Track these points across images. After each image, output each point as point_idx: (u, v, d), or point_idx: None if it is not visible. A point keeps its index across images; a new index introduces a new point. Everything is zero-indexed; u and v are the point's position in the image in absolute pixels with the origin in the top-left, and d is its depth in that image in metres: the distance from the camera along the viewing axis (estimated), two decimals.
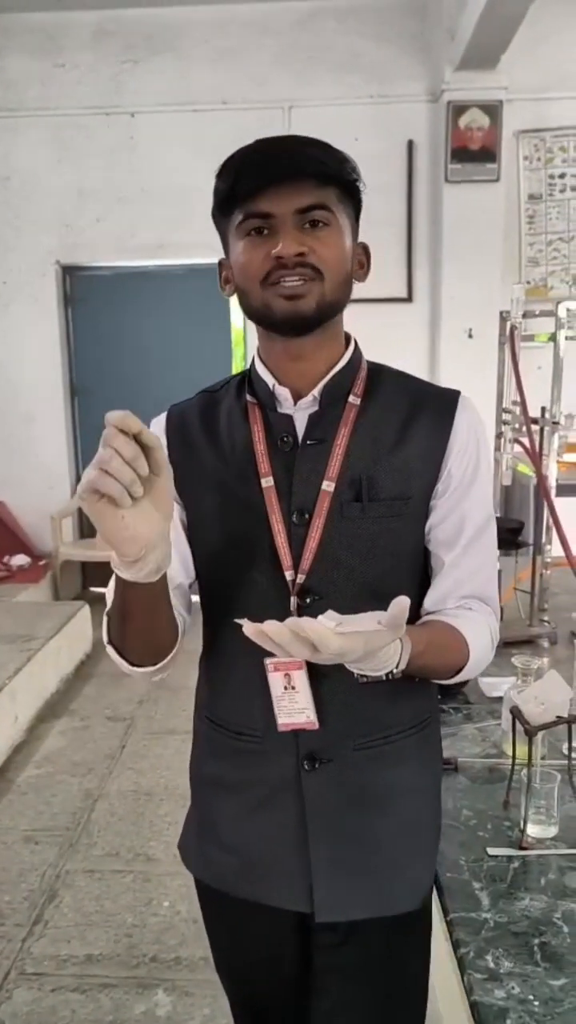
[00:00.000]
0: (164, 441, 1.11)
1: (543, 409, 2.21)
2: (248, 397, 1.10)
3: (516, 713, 1.32)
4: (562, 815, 1.29)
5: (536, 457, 2.19)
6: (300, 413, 1.07)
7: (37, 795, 3.10)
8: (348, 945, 1.12)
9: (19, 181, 5.18)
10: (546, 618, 2.22)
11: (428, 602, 1.10)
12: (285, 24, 4.96)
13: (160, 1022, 2.03)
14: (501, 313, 2.47)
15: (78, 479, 0.82)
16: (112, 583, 0.96)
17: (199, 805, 1.22)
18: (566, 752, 1.36)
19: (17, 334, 5.31)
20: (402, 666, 0.94)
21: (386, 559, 1.06)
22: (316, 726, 1.04)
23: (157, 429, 1.13)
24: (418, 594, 1.10)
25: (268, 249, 0.97)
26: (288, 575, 1.05)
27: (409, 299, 5.17)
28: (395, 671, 0.94)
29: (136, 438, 0.78)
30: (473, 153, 4.76)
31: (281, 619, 0.83)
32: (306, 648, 0.82)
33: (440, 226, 4.92)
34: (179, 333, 5.31)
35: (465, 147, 4.75)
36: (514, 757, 1.37)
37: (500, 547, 2.18)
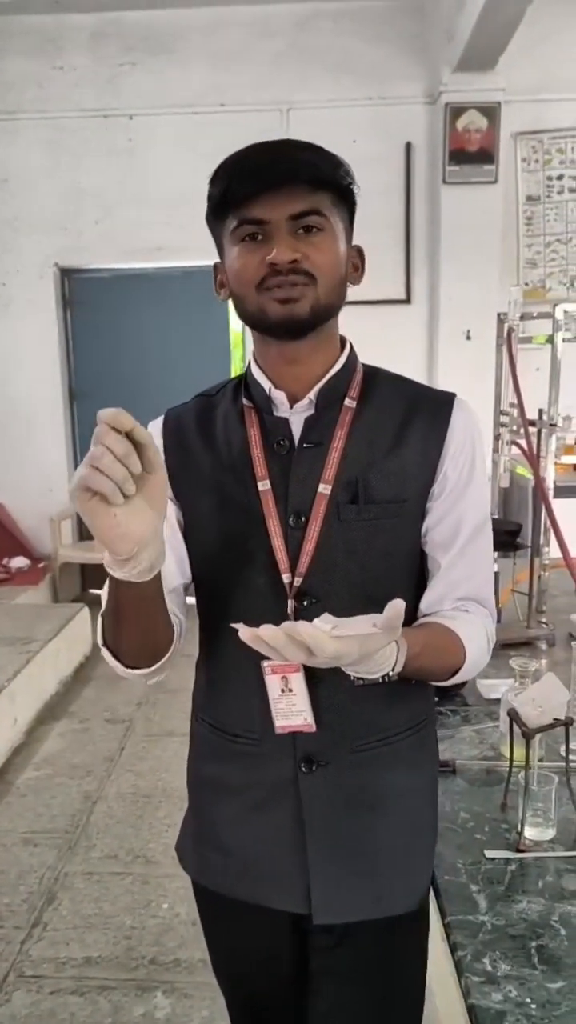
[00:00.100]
0: (161, 444, 1.11)
1: (540, 411, 2.21)
2: (244, 401, 1.10)
3: (513, 715, 1.32)
4: (559, 817, 1.29)
5: (534, 459, 2.19)
6: (296, 416, 1.07)
7: (36, 797, 3.10)
8: (345, 947, 1.12)
9: (17, 183, 5.19)
10: (544, 620, 2.23)
11: (424, 604, 1.10)
12: (283, 26, 4.97)
13: None
14: (499, 315, 2.48)
15: None
16: (107, 585, 0.96)
17: (196, 807, 1.22)
18: (564, 754, 1.36)
19: (16, 337, 5.32)
20: (398, 668, 0.94)
21: (383, 561, 1.07)
22: (313, 728, 1.04)
23: (154, 433, 1.12)
24: (415, 596, 1.10)
25: (262, 255, 0.98)
26: (285, 578, 1.05)
27: (407, 301, 5.17)
28: (391, 673, 0.94)
29: (128, 435, 0.78)
30: (471, 155, 4.76)
31: (278, 622, 0.83)
32: (302, 652, 0.82)
33: (438, 228, 4.93)
34: (178, 335, 5.31)
35: (463, 149, 4.76)
36: (511, 759, 1.37)
37: (498, 549, 2.19)
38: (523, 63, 4.66)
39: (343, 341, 1.11)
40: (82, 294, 5.40)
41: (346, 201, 1.03)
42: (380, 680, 0.94)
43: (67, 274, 5.36)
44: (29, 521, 5.45)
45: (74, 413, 5.53)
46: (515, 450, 2.41)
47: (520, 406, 2.27)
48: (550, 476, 2.21)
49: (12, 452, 5.40)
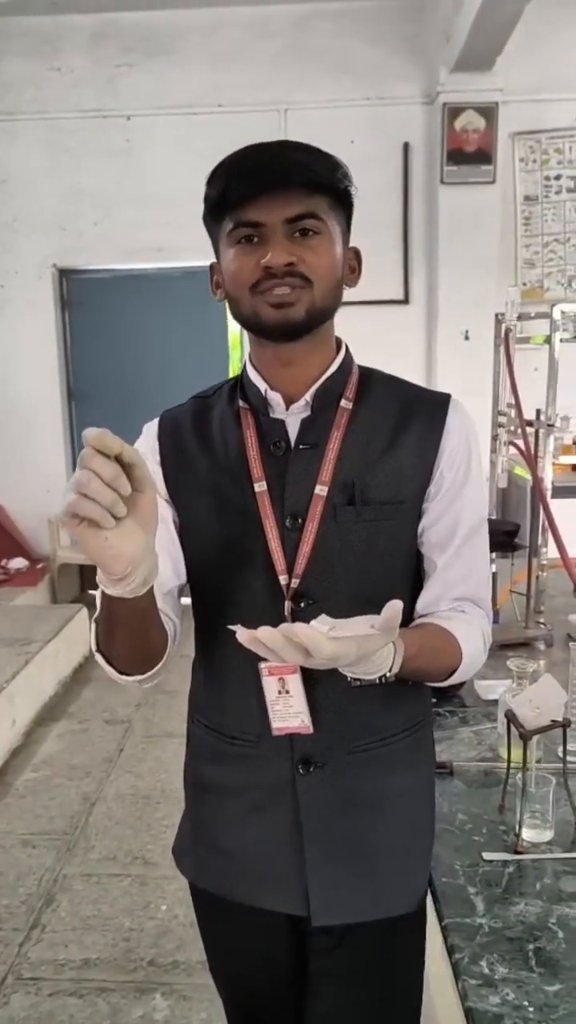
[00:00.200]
0: (157, 446, 1.11)
1: (538, 411, 2.21)
2: (240, 402, 1.10)
3: (511, 717, 1.31)
4: (557, 819, 1.29)
5: (531, 459, 2.19)
6: (292, 418, 1.07)
7: (35, 799, 3.10)
8: (343, 948, 1.12)
9: (15, 184, 5.18)
10: (542, 620, 2.22)
11: (420, 604, 1.10)
12: (281, 27, 4.96)
13: None
14: (496, 315, 2.48)
15: None
16: (100, 592, 0.95)
17: (193, 809, 1.22)
18: (561, 756, 1.36)
19: (14, 338, 5.31)
20: (395, 669, 0.94)
21: (379, 562, 1.07)
22: (311, 730, 1.04)
23: (149, 434, 1.13)
24: (411, 596, 1.10)
25: (258, 258, 0.97)
26: (282, 579, 1.05)
27: (406, 301, 5.17)
28: (388, 674, 0.94)
29: (116, 456, 0.76)
30: (469, 155, 4.76)
31: (275, 624, 0.83)
32: (299, 653, 0.82)
33: (436, 228, 4.93)
34: (176, 336, 5.31)
35: (461, 149, 4.76)
36: (509, 761, 1.37)
37: (496, 550, 2.19)
38: (521, 63, 4.65)
39: (338, 342, 1.11)
40: (81, 295, 5.39)
41: (343, 204, 1.03)
42: (377, 681, 0.94)
43: (65, 275, 5.35)
44: (28, 522, 5.45)
45: (73, 414, 5.52)
46: (513, 450, 2.41)
47: (517, 406, 2.27)
48: (548, 476, 2.21)
49: (11, 453, 5.40)
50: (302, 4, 4.90)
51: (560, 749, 1.34)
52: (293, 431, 1.07)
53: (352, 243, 1.08)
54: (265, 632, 0.81)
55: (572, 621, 2.19)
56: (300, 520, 1.05)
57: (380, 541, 1.06)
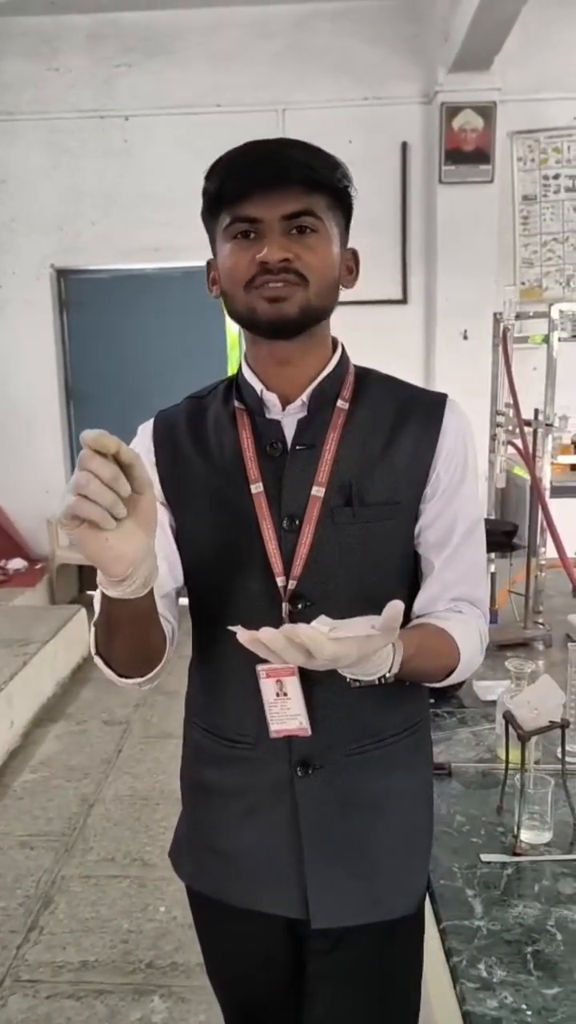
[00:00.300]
0: (152, 447, 1.10)
1: (536, 411, 2.21)
2: (236, 403, 1.09)
3: (509, 718, 1.31)
4: (556, 820, 1.28)
5: (529, 459, 2.19)
6: (289, 418, 1.06)
7: (33, 800, 3.09)
8: (341, 951, 1.12)
9: (14, 184, 5.18)
10: (541, 621, 2.22)
11: (418, 605, 1.10)
12: (279, 27, 4.96)
13: None
14: (495, 315, 2.47)
15: None
16: (98, 595, 0.95)
17: (190, 812, 1.21)
18: (560, 756, 1.35)
19: (13, 338, 5.31)
20: (395, 670, 0.93)
21: (377, 563, 1.06)
22: (308, 732, 1.04)
23: (144, 435, 1.12)
24: (408, 597, 1.10)
25: (253, 254, 0.97)
26: (279, 581, 1.04)
27: (404, 301, 5.17)
28: (388, 675, 0.93)
29: (114, 457, 0.76)
30: (467, 154, 4.76)
31: (272, 625, 0.82)
32: (300, 654, 0.81)
33: (434, 227, 4.92)
34: (175, 336, 5.30)
35: (459, 148, 4.75)
36: (507, 762, 1.37)
37: (495, 550, 2.19)
38: (519, 63, 4.65)
39: (334, 342, 1.10)
40: (79, 295, 5.39)
41: (342, 204, 1.03)
42: (377, 682, 0.93)
43: (64, 275, 5.35)
44: (26, 522, 5.44)
45: (71, 414, 5.52)
46: (511, 450, 2.41)
47: (516, 406, 2.26)
48: (546, 476, 2.20)
49: (9, 453, 5.39)
50: (301, 4, 4.90)
51: (559, 750, 1.33)
52: (289, 432, 1.06)
53: (350, 243, 1.07)
54: (267, 633, 0.81)
55: (571, 621, 2.19)
56: (297, 522, 1.04)
57: (377, 542, 1.05)
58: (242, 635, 0.82)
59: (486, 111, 4.71)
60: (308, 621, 0.84)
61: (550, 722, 1.29)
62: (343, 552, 1.04)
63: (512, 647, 2.09)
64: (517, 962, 1.02)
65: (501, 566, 2.36)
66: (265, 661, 0.85)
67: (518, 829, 1.25)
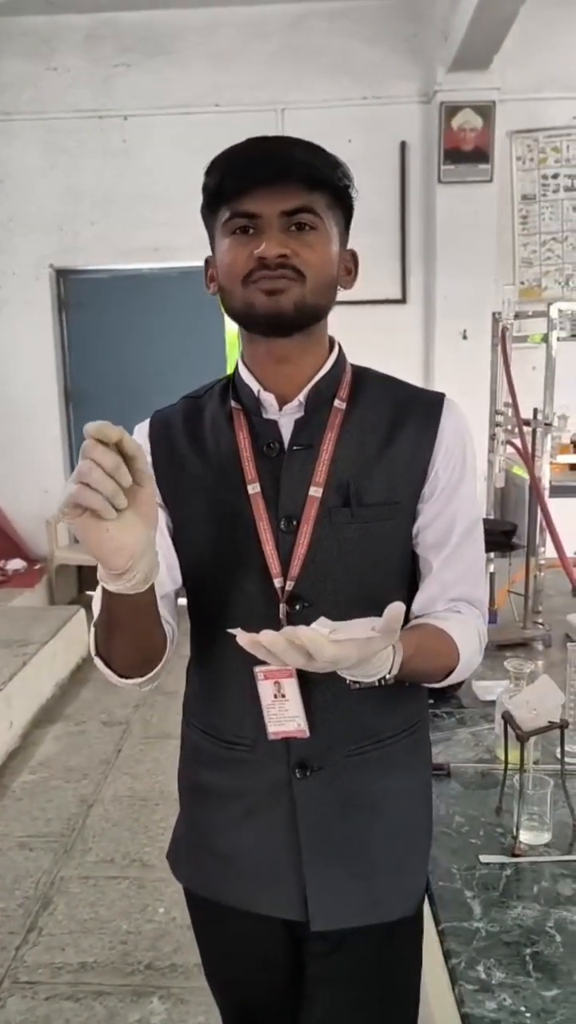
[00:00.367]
0: (148, 448, 1.10)
1: (535, 410, 2.20)
2: (232, 403, 1.09)
3: (508, 718, 1.30)
4: (555, 821, 1.28)
5: (529, 459, 2.18)
6: (286, 418, 1.06)
7: (32, 801, 3.08)
8: (340, 953, 1.11)
9: (12, 184, 5.17)
10: (540, 620, 2.21)
11: (417, 605, 1.09)
12: (278, 26, 4.95)
13: None
14: (494, 314, 2.47)
15: None
16: (98, 594, 0.94)
17: (188, 814, 1.21)
18: (559, 757, 1.35)
19: (11, 338, 5.30)
20: (394, 671, 0.93)
21: (375, 564, 1.06)
22: (307, 734, 1.03)
23: (140, 436, 1.12)
24: (406, 597, 1.09)
25: (252, 249, 0.97)
26: (277, 582, 1.04)
27: (403, 300, 5.16)
28: (388, 677, 0.93)
29: (117, 447, 0.76)
30: (466, 154, 4.75)
31: (270, 626, 0.82)
32: (301, 656, 0.81)
33: (433, 227, 4.92)
34: (174, 336, 5.29)
35: (458, 148, 4.75)
36: (506, 762, 1.36)
37: (494, 549, 2.19)
38: (518, 62, 4.65)
39: (331, 342, 1.10)
40: (78, 295, 5.38)
41: (343, 204, 1.02)
42: (376, 684, 0.93)
43: (63, 275, 5.34)
44: (25, 523, 5.44)
45: (70, 415, 5.51)
46: (511, 450, 2.41)
47: (514, 405, 2.26)
48: (546, 476, 2.20)
49: (8, 454, 5.39)
50: (299, 4, 4.90)
51: (558, 750, 1.33)
52: (286, 432, 1.06)
53: (350, 243, 1.07)
54: (267, 635, 0.81)
55: (570, 621, 2.19)
56: (294, 522, 1.04)
57: (375, 543, 1.05)
58: (242, 638, 0.81)
59: (485, 110, 4.70)
60: (306, 622, 0.84)
61: (549, 722, 1.28)
62: (340, 553, 1.04)
63: (511, 647, 2.09)
64: (516, 964, 1.01)
65: (500, 566, 2.36)
66: (263, 662, 0.85)
67: (517, 830, 1.25)
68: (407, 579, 1.11)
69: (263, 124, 4.79)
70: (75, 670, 4.27)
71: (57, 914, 2.43)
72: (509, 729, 1.30)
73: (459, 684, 1.43)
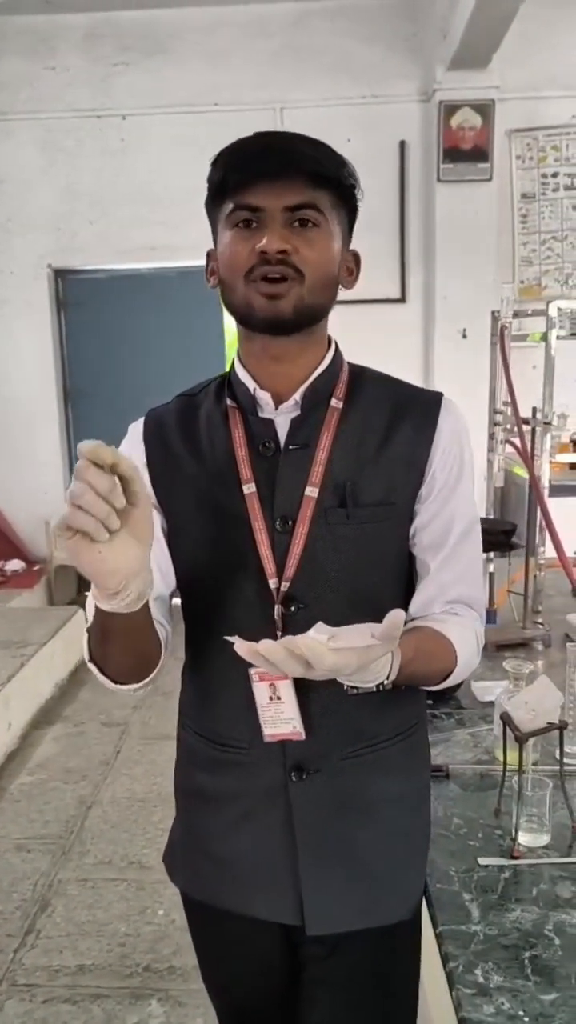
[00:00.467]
0: (142, 447, 1.09)
1: (535, 409, 2.19)
2: (228, 401, 1.08)
3: (507, 719, 1.29)
4: (554, 823, 1.27)
5: (528, 458, 2.17)
6: (282, 418, 1.05)
7: (30, 802, 3.07)
8: (337, 957, 1.11)
9: (11, 184, 5.16)
10: (540, 620, 2.20)
11: (414, 607, 1.08)
12: (277, 26, 4.95)
13: None
14: (493, 313, 2.46)
15: None
16: (91, 602, 0.93)
17: (184, 817, 1.20)
18: (558, 758, 1.34)
19: (10, 338, 5.29)
20: (393, 676, 0.92)
21: (371, 565, 1.05)
22: (302, 736, 1.02)
23: (134, 435, 1.11)
24: (403, 599, 1.09)
25: (254, 243, 0.96)
26: (272, 583, 1.03)
27: (402, 300, 5.15)
28: (386, 682, 0.92)
29: (112, 469, 0.75)
30: (465, 153, 4.74)
31: (265, 628, 0.82)
32: (300, 666, 0.80)
33: (433, 226, 4.91)
34: (173, 336, 5.29)
35: (457, 147, 4.74)
36: (505, 764, 1.35)
37: (494, 549, 2.18)
38: (517, 60, 4.64)
39: (328, 340, 1.09)
40: (77, 295, 5.37)
41: (347, 203, 1.02)
42: (374, 689, 0.92)
43: (61, 275, 5.33)
44: (24, 524, 5.43)
45: (69, 415, 5.51)
46: (510, 449, 2.39)
47: (514, 404, 2.25)
48: (545, 475, 2.19)
49: (7, 454, 5.38)
50: (298, 3, 4.89)
51: (557, 751, 1.32)
52: (283, 431, 1.05)
53: (351, 244, 1.06)
54: (266, 645, 0.80)
55: (570, 621, 2.18)
56: (290, 522, 1.03)
57: (371, 543, 1.04)
58: (240, 647, 0.80)
59: (484, 109, 4.69)
60: (302, 624, 0.83)
61: (548, 723, 1.27)
62: (337, 554, 1.03)
63: (511, 647, 2.08)
64: (514, 967, 1.00)
65: (500, 566, 2.35)
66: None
67: (516, 832, 1.24)
68: (403, 580, 1.10)
69: (262, 123, 4.72)
70: (74, 671, 4.26)
71: (55, 916, 2.42)
72: (508, 730, 1.29)
73: (458, 685, 1.42)
